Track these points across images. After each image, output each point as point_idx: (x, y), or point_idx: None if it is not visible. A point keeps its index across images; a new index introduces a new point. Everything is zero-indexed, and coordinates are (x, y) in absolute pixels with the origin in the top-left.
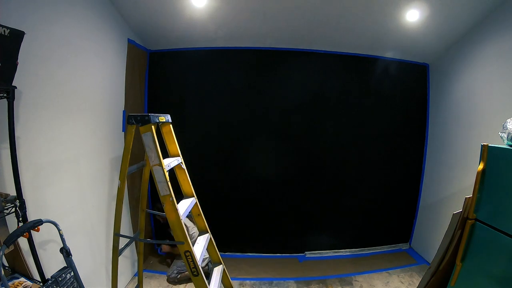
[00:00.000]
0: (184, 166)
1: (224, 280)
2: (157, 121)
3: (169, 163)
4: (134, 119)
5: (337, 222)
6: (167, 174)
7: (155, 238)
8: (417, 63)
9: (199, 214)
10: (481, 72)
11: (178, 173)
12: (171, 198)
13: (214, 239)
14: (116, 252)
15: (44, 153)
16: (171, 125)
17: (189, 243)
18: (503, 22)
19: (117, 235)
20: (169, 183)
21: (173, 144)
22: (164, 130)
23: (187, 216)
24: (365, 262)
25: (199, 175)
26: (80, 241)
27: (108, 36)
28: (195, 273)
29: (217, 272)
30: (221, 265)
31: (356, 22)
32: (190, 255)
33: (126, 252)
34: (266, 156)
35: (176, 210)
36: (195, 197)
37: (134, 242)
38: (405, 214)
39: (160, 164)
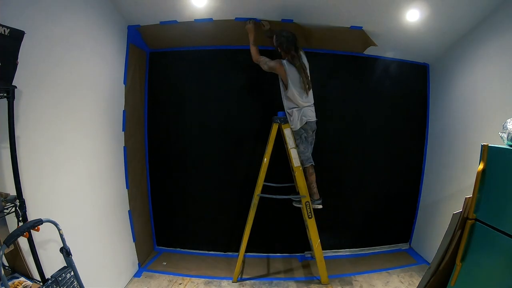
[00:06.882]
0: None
1: None
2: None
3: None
4: (279, 119)
5: (337, 222)
6: (298, 153)
7: (156, 239)
8: (417, 63)
9: None
10: (481, 72)
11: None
12: (301, 168)
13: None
14: (254, 209)
15: (44, 153)
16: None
17: (308, 197)
18: (503, 22)
19: (259, 195)
20: (299, 159)
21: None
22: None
23: None
24: (365, 262)
25: (199, 175)
26: (80, 241)
27: (108, 36)
28: (310, 216)
29: None
30: None
31: (356, 22)
32: (309, 204)
33: (126, 252)
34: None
35: (303, 175)
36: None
37: (134, 245)
38: (405, 214)
39: (295, 147)
